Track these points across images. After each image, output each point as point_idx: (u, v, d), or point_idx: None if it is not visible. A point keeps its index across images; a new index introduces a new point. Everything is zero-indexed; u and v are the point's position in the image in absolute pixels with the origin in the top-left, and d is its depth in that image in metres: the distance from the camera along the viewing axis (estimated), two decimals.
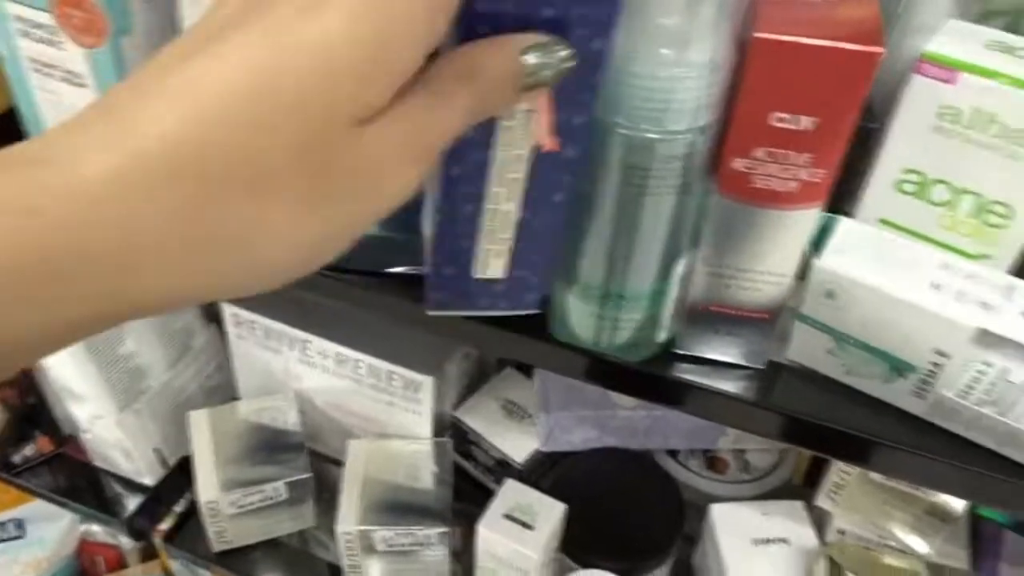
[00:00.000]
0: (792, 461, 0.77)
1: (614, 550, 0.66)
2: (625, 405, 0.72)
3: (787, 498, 0.69)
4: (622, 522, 0.69)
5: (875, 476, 0.64)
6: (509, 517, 0.60)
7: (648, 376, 0.40)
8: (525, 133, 0.29)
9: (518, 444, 0.73)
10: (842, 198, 0.39)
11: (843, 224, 0.36)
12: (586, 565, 0.66)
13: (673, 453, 0.78)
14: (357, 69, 0.20)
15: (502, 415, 0.75)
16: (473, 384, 0.78)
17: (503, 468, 0.73)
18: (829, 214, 0.36)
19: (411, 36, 0.21)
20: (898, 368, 0.35)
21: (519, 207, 0.31)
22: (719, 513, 0.68)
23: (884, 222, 0.37)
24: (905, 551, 0.64)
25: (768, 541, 0.66)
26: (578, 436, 0.73)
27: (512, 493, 0.61)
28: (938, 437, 0.37)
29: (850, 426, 0.38)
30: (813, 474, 0.73)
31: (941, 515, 0.62)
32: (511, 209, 0.31)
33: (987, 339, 0.32)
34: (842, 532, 0.66)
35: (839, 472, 0.65)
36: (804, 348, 0.38)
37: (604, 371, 0.40)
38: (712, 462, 0.78)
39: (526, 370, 0.78)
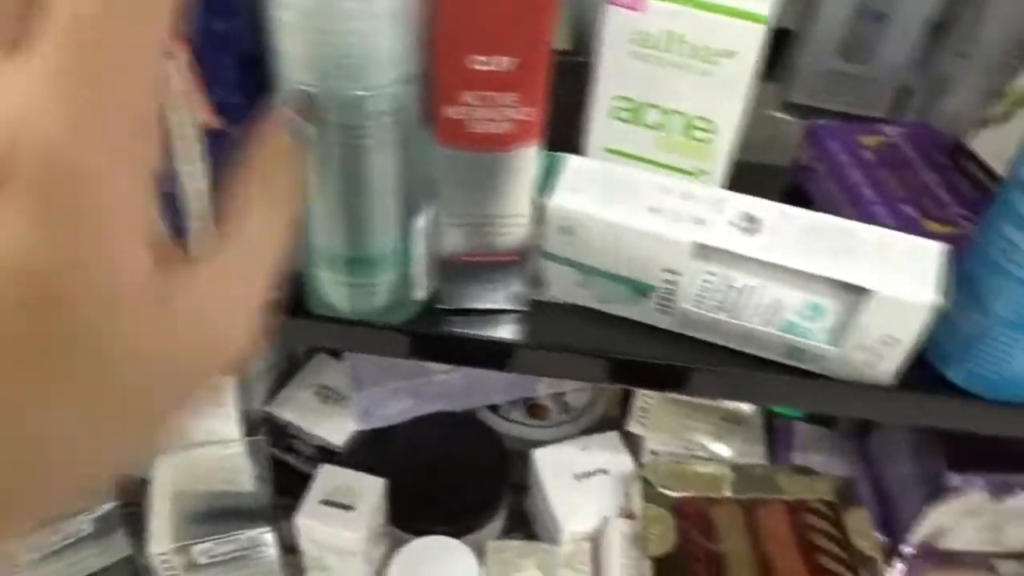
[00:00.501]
0: (606, 395, 0.80)
1: (444, 513, 0.67)
2: (440, 369, 0.72)
3: (608, 431, 0.72)
4: (449, 484, 0.69)
5: (666, 401, 0.67)
6: (328, 502, 0.59)
7: (417, 335, 0.40)
8: (188, 114, 0.27)
9: (336, 428, 0.71)
10: (574, 134, 0.40)
11: (570, 161, 0.37)
12: (419, 533, 0.66)
13: (495, 408, 0.79)
14: None
15: (317, 402, 0.74)
16: (284, 376, 0.76)
17: (325, 455, 0.71)
18: (553, 152, 0.37)
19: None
20: (639, 290, 0.37)
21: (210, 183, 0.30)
22: (540, 456, 0.70)
23: (610, 151, 0.39)
24: (711, 458, 0.68)
25: (589, 474, 0.69)
26: (394, 409, 0.72)
27: (328, 478, 0.60)
28: (693, 347, 0.40)
29: (611, 350, 0.40)
30: (625, 404, 0.76)
31: (735, 419, 0.67)
32: (203, 186, 0.30)
33: (704, 252, 0.34)
34: (655, 452, 0.70)
35: (643, 397, 0.68)
36: (558, 284, 0.40)
37: (370, 338, 0.40)
38: (533, 410, 0.80)
39: (339, 353, 0.77)
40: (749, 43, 0.33)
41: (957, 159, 0.45)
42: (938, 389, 0.38)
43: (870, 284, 0.32)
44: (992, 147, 0.42)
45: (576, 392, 0.81)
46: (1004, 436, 0.59)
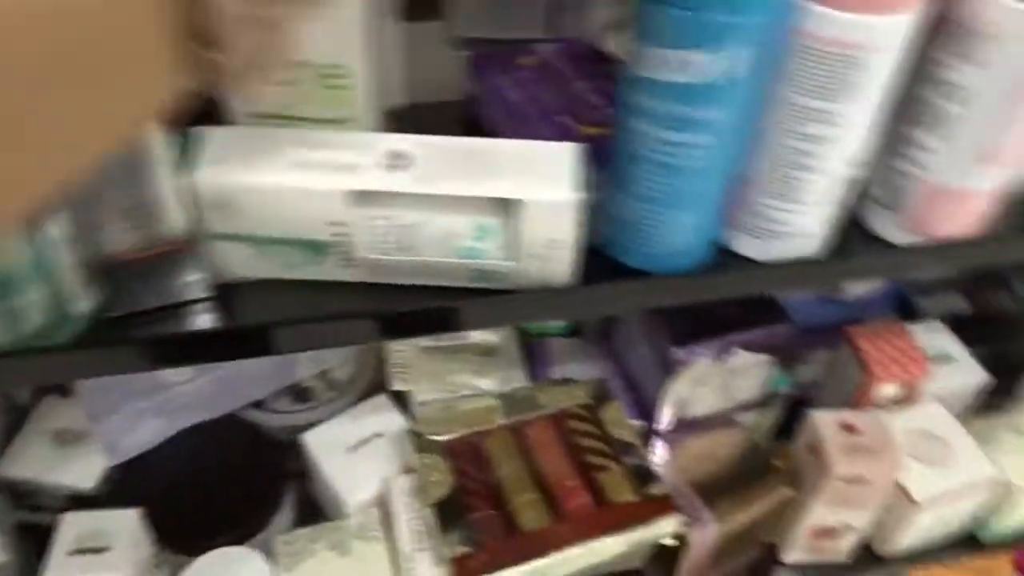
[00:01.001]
0: (372, 361, 0.79)
1: (222, 524, 0.64)
2: (178, 380, 0.68)
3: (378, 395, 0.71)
4: (221, 493, 0.66)
5: (426, 343, 0.68)
6: (79, 551, 0.55)
7: (89, 348, 0.37)
8: None
9: (83, 471, 0.66)
10: (214, 105, 0.38)
11: (211, 133, 0.35)
12: (202, 551, 0.62)
13: (259, 403, 0.76)
14: None
15: (54, 449, 0.67)
16: (10, 429, 0.68)
17: (79, 503, 0.65)
18: (189, 129, 0.35)
19: None
20: (315, 249, 0.36)
21: None
22: (311, 439, 0.69)
23: (253, 115, 0.37)
24: (477, 394, 0.70)
25: (364, 442, 0.68)
26: (143, 434, 0.67)
27: (72, 526, 0.55)
28: (385, 293, 0.40)
29: (306, 316, 0.39)
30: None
31: (489, 352, 0.69)
32: None
33: (361, 197, 0.34)
34: (424, 404, 0.71)
35: (396, 354, 0.68)
36: (236, 261, 0.38)
37: (36, 365, 0.36)
38: (300, 395, 0.77)
39: (66, 390, 0.70)
40: None
41: (603, 65, 0.48)
42: (620, 276, 0.41)
43: (517, 195, 0.34)
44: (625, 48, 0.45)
45: (341, 367, 0.79)
46: (711, 303, 0.65)
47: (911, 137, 0.40)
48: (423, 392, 0.71)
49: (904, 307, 0.91)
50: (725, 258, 0.42)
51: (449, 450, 0.63)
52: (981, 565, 0.95)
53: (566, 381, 0.69)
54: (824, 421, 0.66)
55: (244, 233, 0.36)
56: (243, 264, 0.38)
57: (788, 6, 0.33)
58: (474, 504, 0.60)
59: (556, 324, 0.78)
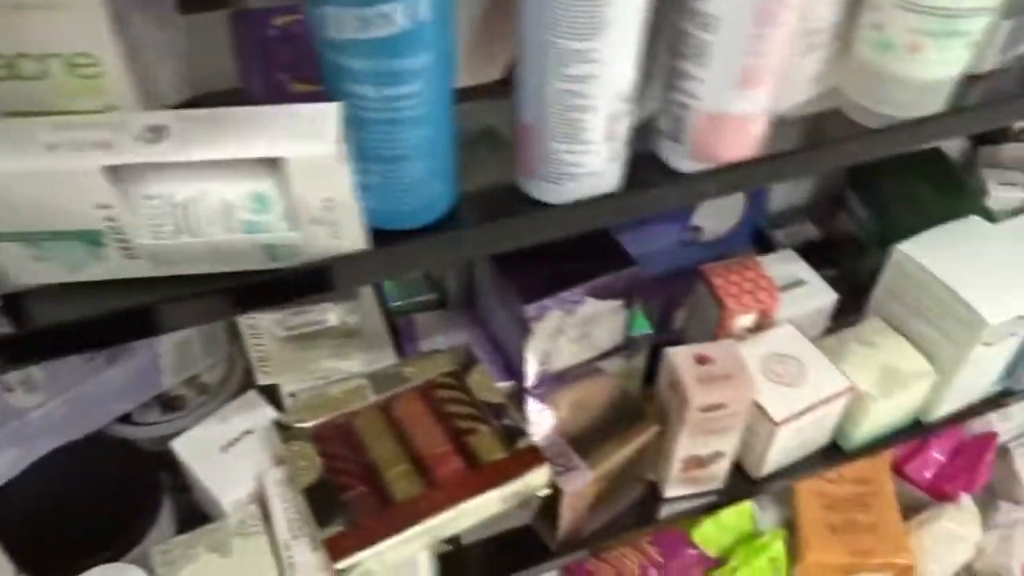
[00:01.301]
0: (238, 360, 0.78)
1: (94, 543, 0.63)
2: (28, 405, 0.65)
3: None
4: (89, 513, 0.65)
5: (284, 332, 0.67)
6: None
7: None
8: None
9: None
10: None
11: None
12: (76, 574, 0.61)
13: (127, 418, 0.74)
14: None
15: None
16: None
17: None
18: None
19: None
20: (91, 239, 0.36)
21: None
22: (180, 445, 0.68)
23: (12, 115, 0.36)
24: (346, 377, 0.70)
25: (234, 441, 0.68)
26: (2, 462, 0.65)
27: None
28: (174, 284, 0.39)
29: (87, 315, 0.38)
30: None
31: (347, 332, 0.69)
32: None
33: (125, 175, 0.33)
34: (293, 394, 0.70)
35: (254, 347, 0.67)
36: (15, 267, 0.37)
37: None
38: (169, 403, 0.76)
39: None
40: None
41: None
42: (398, 240, 0.41)
43: (277, 152, 0.34)
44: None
45: (210, 370, 0.78)
46: (558, 256, 0.66)
47: (680, 69, 0.42)
48: (290, 383, 0.70)
49: (761, 240, 0.95)
50: (525, 206, 0.43)
51: (316, 435, 0.63)
52: (861, 474, 1.01)
53: (432, 353, 0.70)
54: (679, 356, 0.68)
55: (13, 230, 0.35)
56: (22, 268, 0.37)
57: None
58: (346, 484, 0.60)
59: (418, 299, 0.79)
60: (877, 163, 0.91)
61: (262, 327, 0.65)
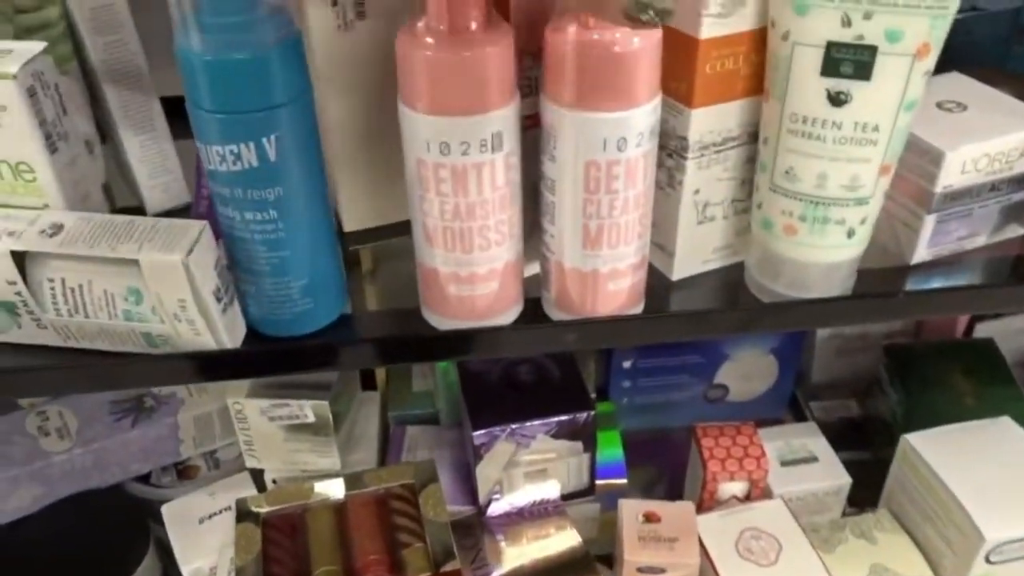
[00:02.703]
0: None
1: None
2: (57, 450, 0.76)
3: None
4: (82, 554, 0.73)
5: (274, 425, 0.74)
6: None
7: None
8: None
9: None
10: None
11: None
12: None
13: (146, 477, 0.83)
14: None
15: None
16: None
17: None
18: None
19: None
20: (7, 308, 0.44)
21: None
22: (167, 510, 0.75)
23: None
24: (320, 473, 0.74)
25: (213, 515, 0.74)
26: (21, 499, 0.75)
27: None
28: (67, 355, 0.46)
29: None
30: None
31: (326, 430, 0.74)
32: None
33: (31, 261, 0.42)
34: (275, 481, 0.76)
35: (241, 431, 0.74)
36: None
37: None
38: (184, 472, 0.84)
39: None
40: (9, 99, 0.42)
41: None
42: (271, 345, 0.46)
43: (135, 255, 0.41)
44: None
45: (226, 447, 0.86)
46: (521, 384, 0.68)
47: (542, 225, 0.45)
48: (274, 470, 0.76)
49: (797, 409, 0.92)
50: (412, 329, 0.48)
51: (267, 521, 0.68)
52: None
53: (400, 465, 0.73)
54: (627, 509, 0.67)
55: None
56: None
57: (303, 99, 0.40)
58: (274, 572, 0.64)
59: (413, 412, 0.83)
60: (913, 344, 0.86)
61: (247, 414, 0.72)
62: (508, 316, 0.48)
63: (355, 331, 0.48)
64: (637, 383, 0.87)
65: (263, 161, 0.41)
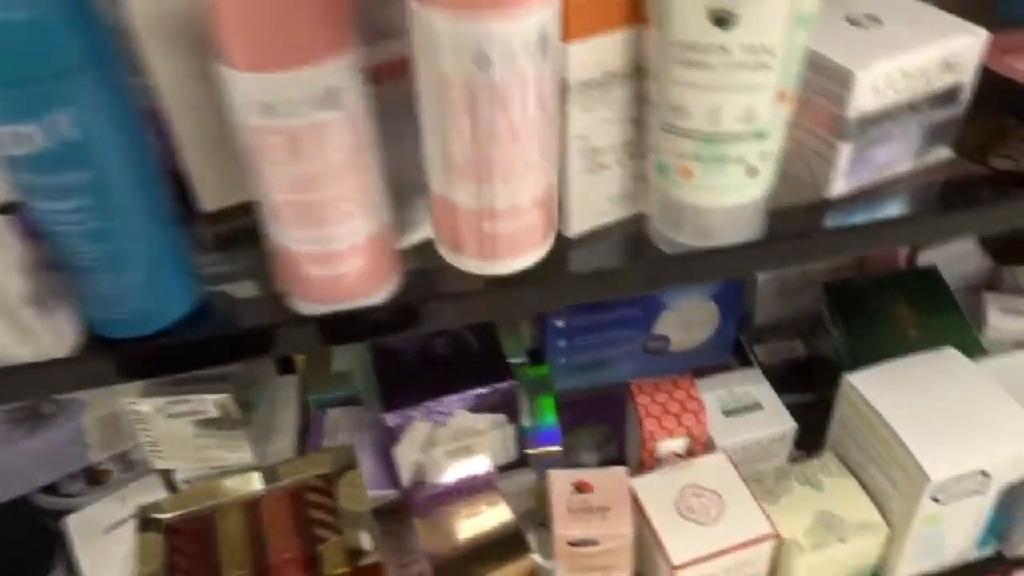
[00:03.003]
0: None
1: None
2: None
3: None
4: None
5: (164, 419, 0.68)
6: None
7: None
8: None
9: None
10: None
11: None
12: None
13: (52, 488, 0.78)
14: None
15: None
16: None
17: None
18: None
19: None
20: None
21: None
22: (72, 521, 0.70)
23: None
24: (235, 469, 0.70)
25: (120, 523, 0.69)
26: None
27: None
28: None
29: None
30: None
31: (235, 423, 0.68)
32: None
33: None
34: (188, 481, 0.71)
35: (142, 431, 0.69)
36: None
37: None
38: (94, 477, 0.79)
39: None
40: None
41: None
42: (113, 348, 0.41)
43: None
44: None
45: (138, 447, 0.81)
46: (422, 364, 0.64)
47: None
48: (185, 470, 0.71)
49: (742, 354, 0.88)
50: (271, 318, 0.42)
51: (171, 528, 0.63)
52: None
53: (316, 453, 0.69)
54: (556, 480, 0.63)
55: None
56: None
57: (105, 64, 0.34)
58: None
59: (334, 394, 0.78)
60: (853, 279, 0.82)
61: (145, 414, 0.66)
62: (380, 294, 0.43)
63: (209, 326, 0.42)
64: (573, 342, 0.83)
65: (58, 141, 0.34)
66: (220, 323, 0.42)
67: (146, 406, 0.66)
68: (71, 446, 0.77)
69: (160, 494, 0.70)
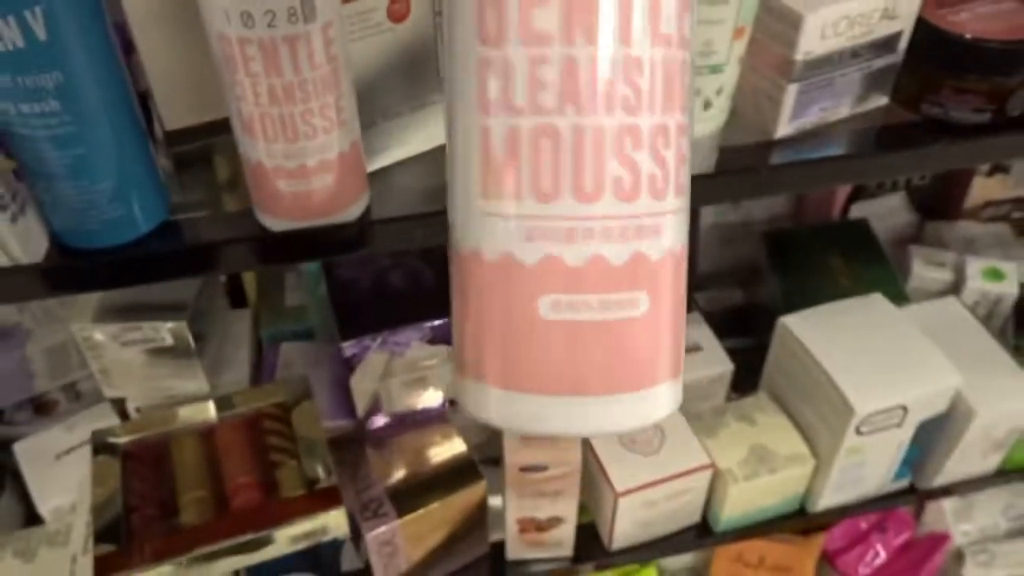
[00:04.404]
0: None
1: None
2: None
3: None
4: None
5: (117, 347, 0.68)
6: None
7: None
8: None
9: None
10: None
11: None
12: None
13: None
14: None
15: None
16: None
17: None
18: None
19: None
20: None
21: None
22: (20, 448, 0.70)
23: None
24: (188, 399, 0.70)
25: (71, 450, 0.69)
26: None
27: None
28: None
29: None
30: None
31: (189, 352, 0.69)
32: None
33: None
34: (139, 410, 0.71)
35: (93, 359, 0.69)
36: None
37: None
38: (41, 407, 0.78)
39: None
40: None
41: None
42: (78, 258, 0.41)
43: None
44: None
45: (87, 378, 0.80)
46: (378, 297, 0.65)
47: None
48: (136, 399, 0.71)
49: None
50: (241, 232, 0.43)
51: (127, 453, 0.64)
52: (782, 561, 0.93)
53: (271, 384, 0.70)
54: None
55: None
56: None
57: None
58: (135, 505, 0.60)
59: (288, 329, 0.78)
60: (790, 229, 0.86)
61: (97, 340, 0.66)
62: (351, 212, 0.44)
63: (179, 238, 0.43)
64: None
65: (30, 39, 0.35)
66: (188, 236, 0.43)
67: (99, 333, 0.66)
68: (16, 375, 0.76)
69: (111, 422, 0.70)
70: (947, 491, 0.78)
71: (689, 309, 0.87)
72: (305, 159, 0.40)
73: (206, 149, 0.49)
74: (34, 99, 0.36)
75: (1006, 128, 0.50)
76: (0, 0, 0.33)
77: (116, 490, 0.61)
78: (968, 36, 0.48)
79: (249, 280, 0.81)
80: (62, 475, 0.68)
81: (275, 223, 0.43)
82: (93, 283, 0.42)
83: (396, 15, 0.44)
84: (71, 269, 0.41)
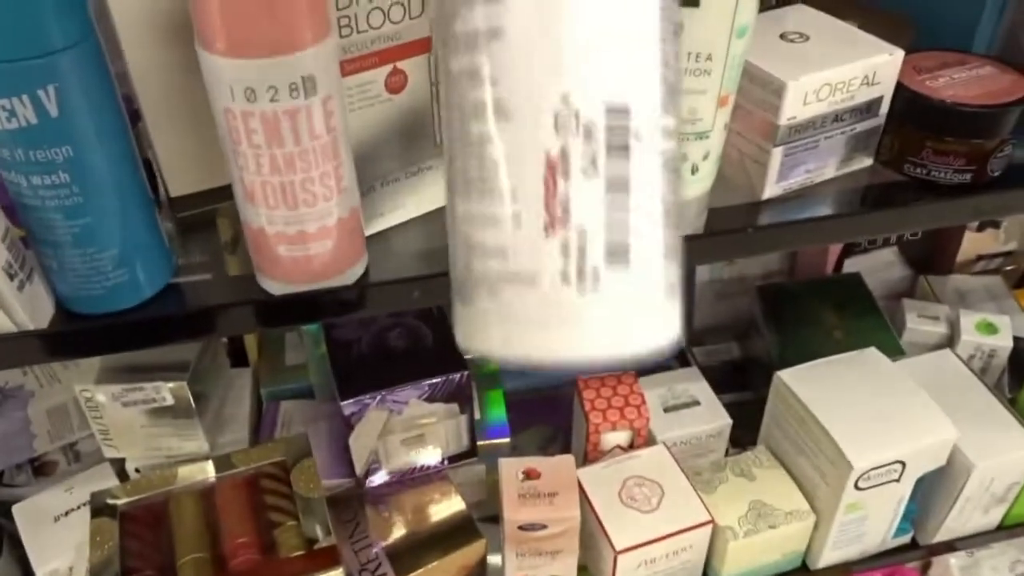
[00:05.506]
0: None
1: None
2: None
3: None
4: None
5: (118, 407, 0.69)
6: None
7: None
8: None
9: None
10: None
11: None
12: None
13: None
14: None
15: None
16: None
17: None
18: None
19: None
20: None
21: None
22: (19, 510, 0.70)
23: None
24: (188, 459, 0.70)
25: (69, 512, 0.69)
26: None
27: None
28: None
29: None
30: None
31: (189, 412, 0.69)
32: None
33: None
34: (139, 470, 0.72)
35: (94, 420, 0.69)
36: None
37: None
38: (40, 468, 0.79)
39: None
40: None
41: None
42: (79, 323, 0.42)
43: None
44: None
45: (86, 439, 0.81)
46: (377, 355, 0.66)
47: None
48: (136, 459, 0.71)
49: (682, 355, 0.92)
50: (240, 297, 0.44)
51: (126, 514, 0.64)
52: None
53: (269, 442, 0.70)
54: (507, 468, 0.66)
55: None
56: None
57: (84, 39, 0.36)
58: (134, 566, 0.60)
59: (287, 387, 0.79)
60: (784, 284, 0.87)
61: (98, 401, 0.67)
62: (350, 275, 0.45)
63: (182, 302, 0.44)
64: None
65: (43, 116, 0.36)
66: (191, 300, 0.44)
67: (101, 394, 0.67)
68: (18, 436, 0.76)
69: (110, 483, 0.70)
70: (951, 546, 0.77)
71: (687, 364, 0.89)
72: (305, 225, 0.42)
73: (209, 214, 0.50)
74: (44, 172, 0.38)
75: (988, 187, 0.52)
76: (15, 80, 0.35)
77: (114, 552, 0.61)
78: (947, 100, 0.50)
79: (250, 339, 0.82)
80: (60, 537, 0.68)
81: (276, 287, 0.44)
82: (98, 347, 0.43)
83: (394, 86, 0.46)
84: (76, 334, 0.42)
